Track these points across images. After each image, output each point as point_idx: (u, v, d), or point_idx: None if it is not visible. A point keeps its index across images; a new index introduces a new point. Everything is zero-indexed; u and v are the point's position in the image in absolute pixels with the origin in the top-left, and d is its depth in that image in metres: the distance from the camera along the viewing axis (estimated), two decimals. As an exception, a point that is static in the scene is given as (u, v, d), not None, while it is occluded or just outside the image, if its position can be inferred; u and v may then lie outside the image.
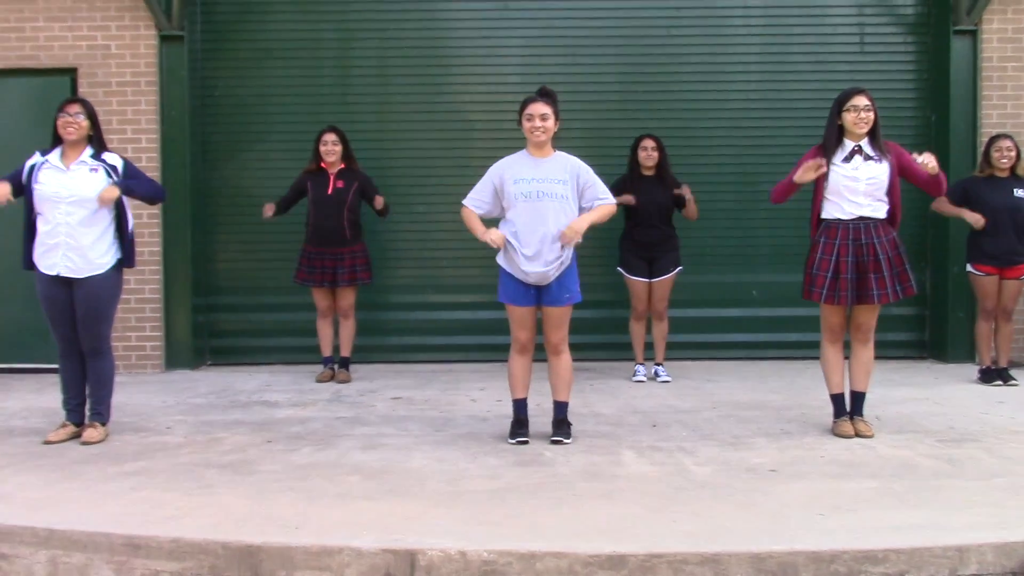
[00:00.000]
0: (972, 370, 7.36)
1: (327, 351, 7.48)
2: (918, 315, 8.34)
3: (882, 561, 3.42)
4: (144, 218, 7.75)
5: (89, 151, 5.25)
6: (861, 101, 5.14)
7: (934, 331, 8.28)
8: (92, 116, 5.30)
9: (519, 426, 5.24)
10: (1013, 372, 7.10)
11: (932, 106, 8.23)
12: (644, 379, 7.26)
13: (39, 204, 5.15)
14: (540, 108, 5.05)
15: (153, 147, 7.80)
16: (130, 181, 5.30)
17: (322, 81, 8.25)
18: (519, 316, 5.15)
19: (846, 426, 5.32)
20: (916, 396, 6.55)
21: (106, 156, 5.29)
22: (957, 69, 7.96)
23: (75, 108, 5.23)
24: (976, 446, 5.05)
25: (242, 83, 8.27)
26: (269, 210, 7.25)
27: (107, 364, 5.38)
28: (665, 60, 8.25)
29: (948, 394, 6.65)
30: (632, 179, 7.21)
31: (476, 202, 5.24)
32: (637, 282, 7.23)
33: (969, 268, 7.08)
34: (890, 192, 5.17)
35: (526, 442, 5.13)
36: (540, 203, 5.01)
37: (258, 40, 8.27)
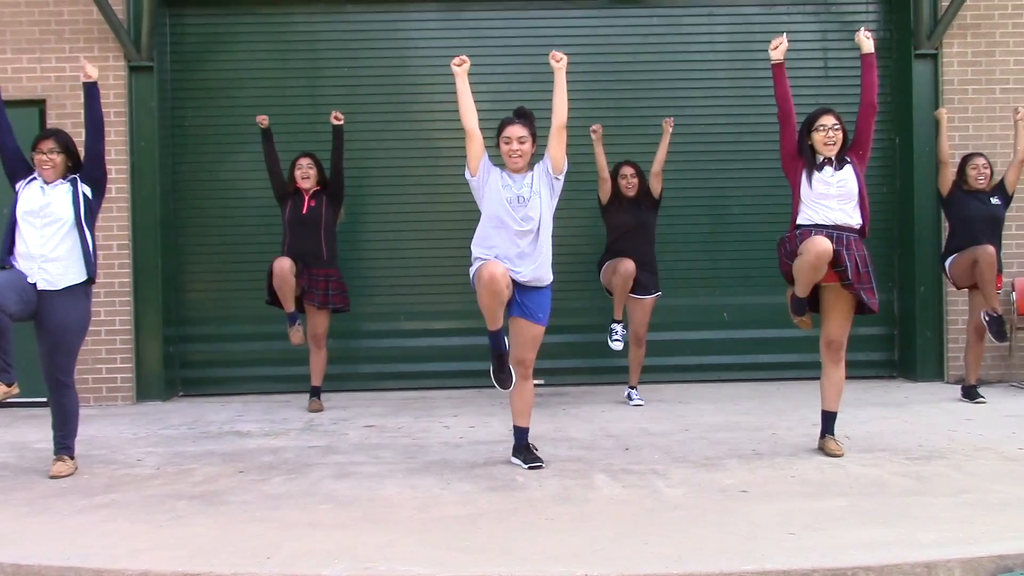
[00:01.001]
0: (941, 388, 7.44)
1: (317, 380, 7.38)
2: (887, 335, 8.42)
3: (852, 579, 3.44)
4: (114, 248, 7.73)
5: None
6: (829, 120, 5.27)
7: (903, 350, 8.37)
8: (67, 148, 5.33)
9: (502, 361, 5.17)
10: (981, 390, 7.18)
11: (895, 129, 8.35)
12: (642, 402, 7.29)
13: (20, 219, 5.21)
14: (517, 131, 5.09)
15: (123, 177, 7.77)
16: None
17: (292, 110, 8.26)
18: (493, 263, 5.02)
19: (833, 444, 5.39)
20: (885, 415, 6.61)
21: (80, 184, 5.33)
22: (919, 92, 8.09)
23: (48, 145, 5.25)
24: (945, 463, 5.10)
25: (212, 113, 8.27)
26: (264, 120, 7.29)
27: (73, 397, 5.33)
28: (632, 83, 8.35)
29: (917, 412, 6.72)
30: (613, 201, 7.23)
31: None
32: (618, 260, 7.10)
33: (947, 263, 7.22)
34: (860, 196, 5.23)
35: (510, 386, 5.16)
36: (522, 208, 5.04)
37: (227, 70, 8.29)
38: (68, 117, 7.71)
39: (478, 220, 5.19)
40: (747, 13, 8.39)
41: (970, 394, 7.08)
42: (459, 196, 7.96)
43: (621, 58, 8.36)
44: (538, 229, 5.08)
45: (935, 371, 8.08)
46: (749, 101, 8.33)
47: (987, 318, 6.88)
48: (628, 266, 6.99)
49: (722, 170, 8.35)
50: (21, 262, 5.16)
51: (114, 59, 7.80)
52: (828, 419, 5.45)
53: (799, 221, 5.33)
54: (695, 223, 8.29)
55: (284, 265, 6.95)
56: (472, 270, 5.15)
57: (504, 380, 5.16)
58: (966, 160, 7.24)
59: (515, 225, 5.05)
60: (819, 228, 5.19)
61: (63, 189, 5.26)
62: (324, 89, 8.30)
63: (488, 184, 5.14)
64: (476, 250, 5.15)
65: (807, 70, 8.33)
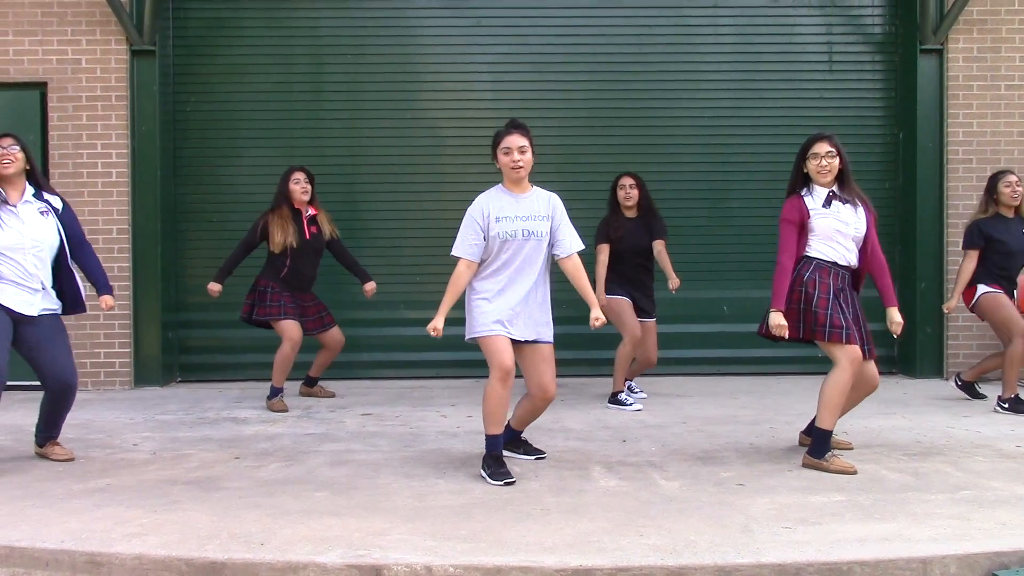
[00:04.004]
0: (940, 385, 7.43)
1: (282, 383, 6.92)
2: (887, 331, 8.37)
3: (847, 573, 3.43)
4: (114, 233, 7.72)
5: (31, 189, 5.08)
6: (822, 148, 4.95)
7: (902, 346, 8.36)
8: (25, 149, 5.09)
9: (501, 464, 4.74)
10: (980, 387, 7.17)
11: (899, 124, 8.34)
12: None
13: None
14: (518, 140, 4.71)
15: (123, 162, 7.76)
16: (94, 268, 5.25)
17: (294, 97, 8.25)
18: (502, 343, 4.70)
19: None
20: (884, 411, 6.60)
21: (48, 197, 5.13)
22: (924, 88, 8.07)
23: (8, 141, 5.01)
24: (942, 460, 5.08)
25: (213, 98, 8.25)
26: (215, 289, 6.92)
27: (74, 393, 5.25)
28: (636, 78, 8.32)
29: (916, 409, 6.71)
30: (614, 221, 6.87)
31: (472, 249, 4.75)
32: (623, 300, 6.80)
33: (985, 289, 6.60)
34: (866, 241, 5.01)
35: (514, 482, 4.63)
36: (527, 243, 4.72)
37: (230, 55, 8.27)
38: (69, 100, 7.70)
39: None
40: (752, 7, 8.36)
41: (969, 389, 7.05)
42: (461, 185, 8.00)
43: (626, 52, 8.32)
44: (541, 255, 4.81)
45: (934, 368, 8.08)
46: (753, 96, 8.32)
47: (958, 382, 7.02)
48: (634, 341, 6.75)
49: (723, 164, 8.34)
50: None
51: (116, 42, 7.78)
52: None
53: (810, 254, 4.97)
54: (696, 216, 8.28)
55: (295, 336, 6.77)
56: (474, 331, 4.79)
57: (505, 475, 4.64)
58: (997, 178, 6.67)
59: (522, 261, 4.76)
60: (834, 267, 4.93)
61: (42, 216, 5.03)
62: (326, 78, 8.29)
63: (491, 228, 4.75)
64: (477, 302, 4.82)
65: (812, 65, 8.32)
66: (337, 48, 8.31)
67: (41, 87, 7.80)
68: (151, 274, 7.88)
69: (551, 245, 4.86)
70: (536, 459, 5.14)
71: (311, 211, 6.93)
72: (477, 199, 4.83)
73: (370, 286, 7.09)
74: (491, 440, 4.75)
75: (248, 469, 4.97)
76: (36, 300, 5.00)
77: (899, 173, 8.36)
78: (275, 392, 6.85)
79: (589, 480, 4.69)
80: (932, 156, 8.02)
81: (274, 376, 6.83)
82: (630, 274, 6.86)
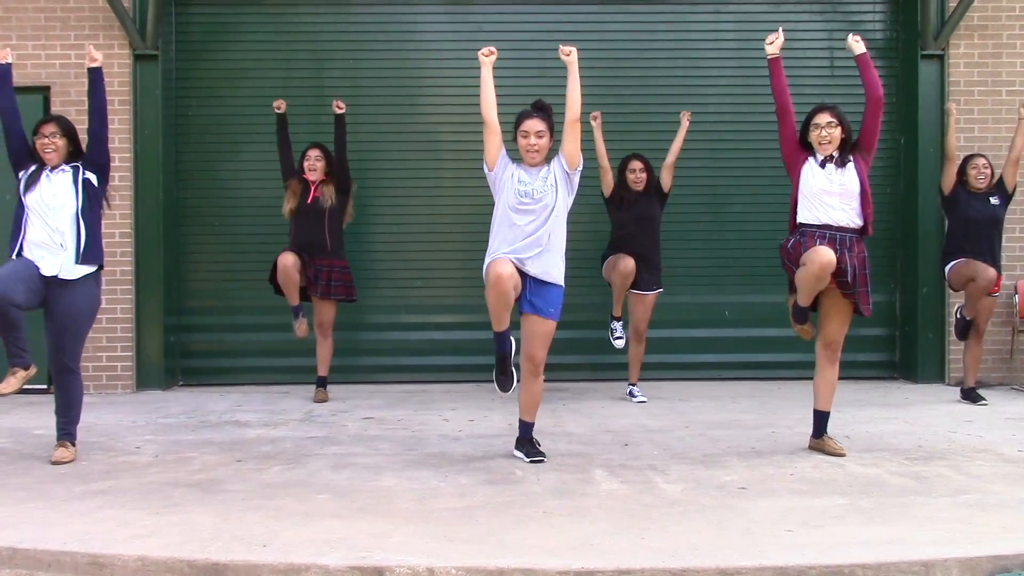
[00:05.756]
0: (942, 390, 7.44)
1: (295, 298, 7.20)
2: (888, 335, 8.41)
3: (849, 576, 3.44)
4: (116, 236, 7.73)
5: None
6: (823, 119, 5.18)
7: (904, 351, 8.36)
8: (69, 132, 5.33)
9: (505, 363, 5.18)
10: (982, 392, 7.18)
11: (901, 129, 8.34)
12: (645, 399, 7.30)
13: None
14: (536, 124, 5.04)
15: (126, 166, 7.77)
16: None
17: (295, 101, 8.22)
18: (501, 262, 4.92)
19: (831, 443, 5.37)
20: (886, 415, 6.60)
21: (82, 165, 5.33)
22: (925, 93, 8.08)
23: (50, 128, 5.26)
24: (944, 464, 5.08)
25: (216, 103, 8.27)
26: (282, 105, 7.34)
27: (78, 383, 5.33)
28: (638, 81, 8.34)
29: (917, 413, 6.71)
30: (617, 195, 7.18)
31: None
32: (628, 260, 7.02)
33: (947, 269, 7.22)
34: (863, 195, 5.15)
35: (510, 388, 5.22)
36: (536, 203, 4.98)
37: (232, 60, 8.29)
38: (72, 104, 7.71)
39: (481, 213, 5.17)
40: (753, 11, 8.38)
41: (970, 396, 7.08)
42: (463, 189, 8.02)
43: (627, 55, 8.35)
44: (548, 221, 5.01)
45: (936, 373, 8.08)
46: (754, 99, 8.30)
47: (959, 315, 7.18)
48: (628, 264, 6.95)
49: (726, 167, 8.34)
50: (30, 250, 5.15)
51: (119, 47, 7.80)
52: (823, 419, 5.42)
53: (800, 220, 5.26)
54: (698, 220, 8.28)
55: (287, 261, 6.97)
56: (485, 263, 5.05)
57: (505, 383, 5.16)
58: (967, 160, 7.24)
59: (526, 219, 4.98)
60: (820, 229, 5.15)
61: (66, 177, 5.25)
62: (328, 82, 8.29)
63: (503, 179, 5.08)
64: (491, 243, 5.10)
65: (813, 69, 8.34)
66: (338, 52, 8.32)
67: (44, 91, 7.82)
68: (153, 278, 7.88)
69: (564, 166, 5.14)
70: (533, 461, 5.12)
71: (321, 179, 7.23)
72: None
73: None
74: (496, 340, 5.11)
75: (250, 472, 4.97)
76: (58, 262, 5.14)
77: (900, 178, 8.36)
78: (295, 312, 7.19)
79: (591, 483, 4.69)
80: (933, 161, 8.02)
81: (288, 297, 7.16)
82: (633, 246, 7.08)
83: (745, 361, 8.36)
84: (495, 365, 5.19)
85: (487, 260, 5.02)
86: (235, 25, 8.31)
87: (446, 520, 4.03)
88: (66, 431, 5.32)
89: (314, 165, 7.19)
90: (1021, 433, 5.97)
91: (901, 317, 8.36)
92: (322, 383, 7.41)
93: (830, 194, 5.14)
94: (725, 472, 4.92)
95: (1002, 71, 8.08)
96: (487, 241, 5.14)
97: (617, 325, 7.29)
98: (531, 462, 5.12)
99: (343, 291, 7.27)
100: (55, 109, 7.69)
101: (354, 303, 7.48)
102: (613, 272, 7.06)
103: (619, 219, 7.19)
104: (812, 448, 5.42)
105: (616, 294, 7.16)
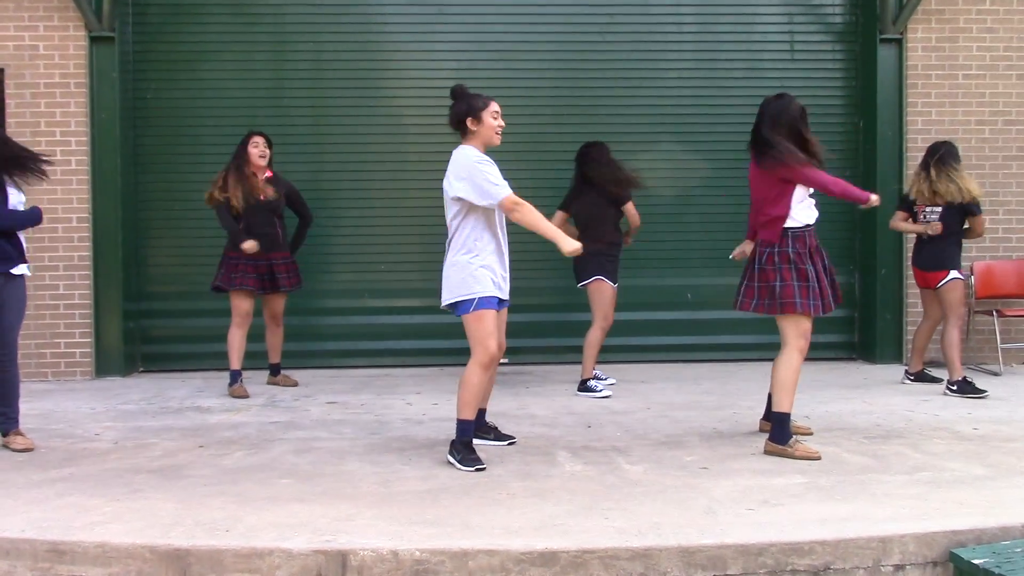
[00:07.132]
0: (900, 370, 7.53)
1: (239, 363, 6.93)
2: (847, 317, 8.51)
3: (808, 553, 3.48)
4: (74, 222, 7.63)
5: None
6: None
7: (863, 333, 8.47)
8: None
9: (472, 450, 4.72)
10: (935, 372, 7.29)
11: (859, 112, 8.42)
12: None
13: None
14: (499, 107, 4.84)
15: (83, 150, 7.66)
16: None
17: (256, 84, 8.18)
18: (493, 323, 4.66)
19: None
20: (845, 396, 6.69)
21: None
22: (883, 76, 8.15)
23: None
24: (901, 442, 5.17)
25: (174, 85, 8.16)
26: (250, 246, 6.79)
27: (15, 369, 5.22)
28: (599, 65, 8.34)
29: (876, 393, 6.80)
30: (580, 189, 6.91)
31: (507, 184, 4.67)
32: (610, 287, 6.81)
33: (957, 275, 6.80)
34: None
35: (485, 468, 4.63)
36: None
37: (191, 42, 8.17)
38: (27, 87, 7.59)
39: (441, 197, 4.97)
40: (715, -7, 8.41)
41: (922, 377, 7.18)
42: (423, 173, 7.98)
43: (588, 39, 8.33)
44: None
45: (894, 353, 8.19)
46: (714, 83, 8.37)
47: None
48: (605, 328, 6.83)
49: (685, 151, 8.37)
50: None
51: (75, 28, 7.66)
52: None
53: (791, 225, 4.91)
54: (659, 204, 8.29)
55: (242, 310, 6.85)
56: (471, 291, 4.62)
57: (475, 461, 4.63)
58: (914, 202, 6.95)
59: (499, 216, 4.82)
60: (807, 228, 4.96)
61: None
62: (290, 64, 8.22)
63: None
64: (471, 250, 4.69)
65: (772, 52, 8.39)
66: (300, 35, 8.23)
67: (-2, 73, 7.69)
68: (112, 263, 7.78)
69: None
70: (508, 444, 5.17)
71: (268, 174, 7.00)
72: (469, 151, 4.73)
73: (249, 245, 6.83)
74: (463, 425, 4.73)
75: (212, 457, 4.94)
76: None
77: (859, 161, 8.44)
78: (234, 377, 6.87)
79: (555, 465, 4.71)
80: (891, 144, 8.12)
81: (229, 358, 6.88)
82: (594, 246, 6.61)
83: (708, 343, 8.42)
84: (458, 449, 4.71)
85: (476, 284, 4.63)
86: (194, 6, 8.18)
87: (410, 503, 4.03)
88: (13, 419, 5.23)
89: (263, 151, 6.91)
90: (976, 412, 6.08)
91: (860, 299, 8.46)
92: (275, 370, 7.36)
93: (809, 196, 5.02)
94: (687, 452, 4.96)
95: (959, 55, 8.17)
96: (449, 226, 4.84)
97: (595, 382, 6.89)
98: (508, 444, 5.16)
99: (296, 281, 7.18)
100: (9, 92, 7.57)
101: (299, 289, 7.38)
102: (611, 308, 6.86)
103: (576, 212, 6.94)
104: (763, 431, 5.45)
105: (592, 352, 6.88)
